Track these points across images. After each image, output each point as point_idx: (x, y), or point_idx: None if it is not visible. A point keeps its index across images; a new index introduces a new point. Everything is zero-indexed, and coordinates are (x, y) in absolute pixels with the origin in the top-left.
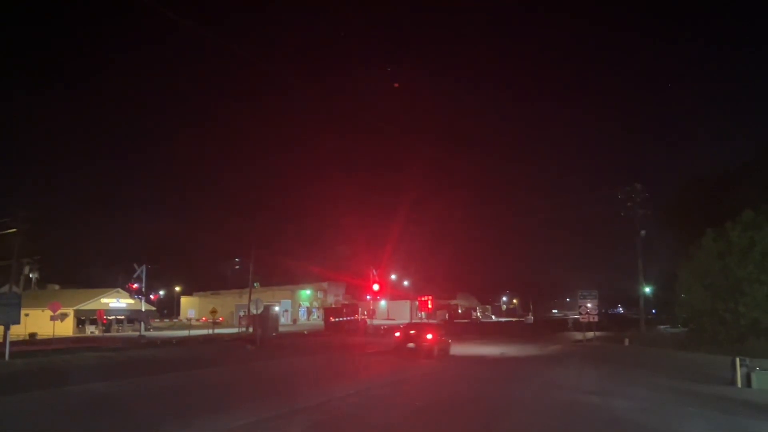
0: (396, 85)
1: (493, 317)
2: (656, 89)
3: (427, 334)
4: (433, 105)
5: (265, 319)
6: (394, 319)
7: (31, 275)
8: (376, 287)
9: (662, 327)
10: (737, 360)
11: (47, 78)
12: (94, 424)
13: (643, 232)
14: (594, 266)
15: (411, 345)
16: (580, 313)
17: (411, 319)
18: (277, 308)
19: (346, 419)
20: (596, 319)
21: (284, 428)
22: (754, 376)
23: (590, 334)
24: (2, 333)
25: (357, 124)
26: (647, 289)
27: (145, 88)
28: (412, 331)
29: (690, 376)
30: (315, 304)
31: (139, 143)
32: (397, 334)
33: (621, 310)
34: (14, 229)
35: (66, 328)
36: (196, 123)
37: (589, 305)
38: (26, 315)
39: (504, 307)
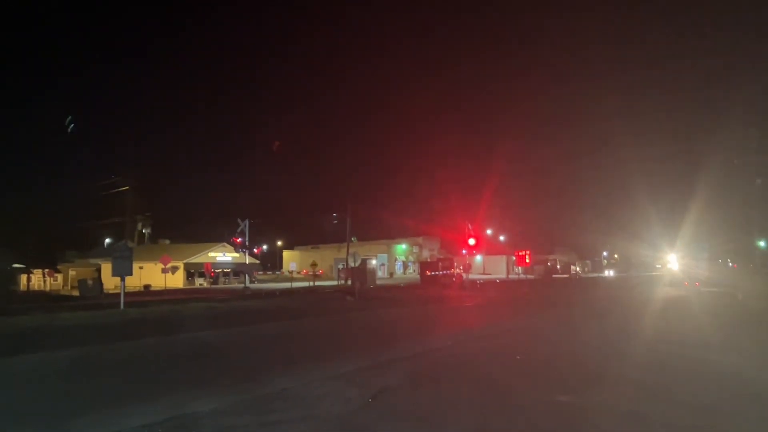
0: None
1: (609, 272)
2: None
3: (686, 281)
4: (532, 54)
5: (362, 272)
6: (489, 274)
7: (143, 230)
8: (471, 242)
9: None
10: None
11: (157, 37)
12: (200, 370)
13: (758, 181)
14: (700, 218)
15: (686, 283)
16: (688, 267)
17: (507, 274)
18: (374, 262)
19: (444, 368)
20: (705, 273)
21: (386, 375)
22: None
23: (698, 287)
24: (119, 284)
25: (452, 75)
26: (762, 243)
27: (255, 47)
28: (688, 280)
29: None
30: (411, 258)
31: (242, 102)
32: (686, 282)
33: (731, 264)
34: (127, 187)
35: (177, 280)
36: (299, 83)
37: (696, 259)
38: (140, 268)
39: (605, 262)
